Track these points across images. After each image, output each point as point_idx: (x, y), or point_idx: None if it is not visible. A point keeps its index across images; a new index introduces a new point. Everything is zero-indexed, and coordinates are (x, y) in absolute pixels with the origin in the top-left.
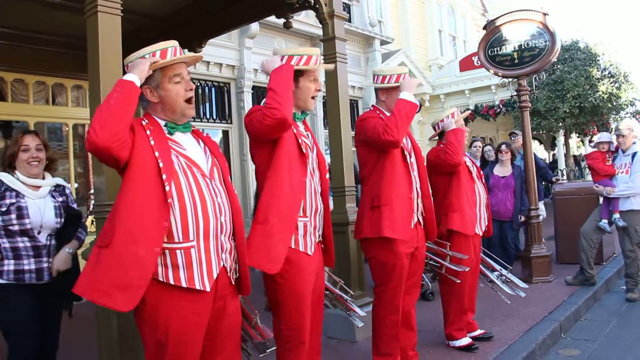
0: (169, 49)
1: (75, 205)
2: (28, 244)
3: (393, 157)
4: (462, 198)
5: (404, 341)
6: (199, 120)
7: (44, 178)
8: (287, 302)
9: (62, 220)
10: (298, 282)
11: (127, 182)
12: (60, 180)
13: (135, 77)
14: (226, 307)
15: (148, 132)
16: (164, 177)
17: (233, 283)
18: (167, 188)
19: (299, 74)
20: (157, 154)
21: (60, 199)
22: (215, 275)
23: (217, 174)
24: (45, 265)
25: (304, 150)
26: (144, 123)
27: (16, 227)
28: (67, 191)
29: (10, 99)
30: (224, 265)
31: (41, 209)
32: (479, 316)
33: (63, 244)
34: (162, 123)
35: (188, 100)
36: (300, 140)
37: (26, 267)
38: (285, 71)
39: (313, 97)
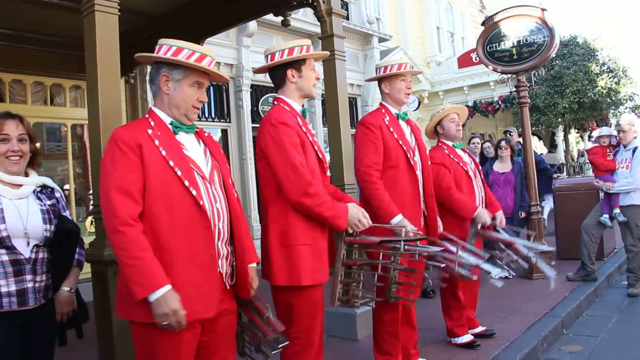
0: (207, 59)
1: (68, 213)
2: (5, 258)
3: (397, 160)
4: None
5: (405, 339)
6: (197, 119)
7: (27, 174)
8: (302, 306)
9: (53, 227)
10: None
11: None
12: (47, 180)
13: None
14: (223, 309)
15: (157, 142)
16: (187, 183)
17: (228, 287)
18: (194, 192)
19: (301, 63)
20: (171, 163)
21: (49, 203)
22: None
23: (217, 177)
24: (30, 285)
25: (320, 156)
26: (150, 132)
27: None
28: (57, 194)
29: (8, 99)
30: (219, 271)
31: (22, 212)
32: (480, 313)
33: (58, 271)
34: (168, 121)
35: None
36: (316, 147)
37: (3, 289)
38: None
39: (314, 85)
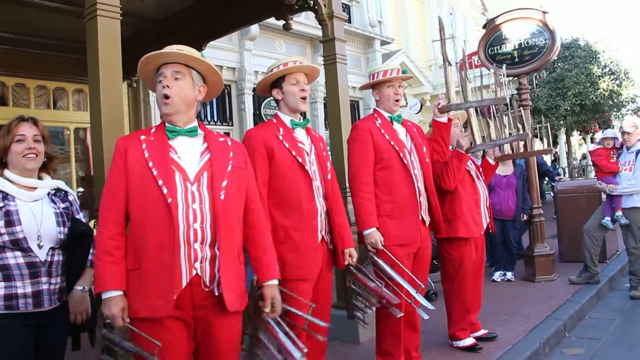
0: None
1: (82, 216)
2: (21, 261)
3: (390, 160)
4: (463, 203)
5: (408, 342)
6: (200, 122)
7: (40, 179)
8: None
9: (66, 230)
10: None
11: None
12: (61, 184)
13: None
14: (211, 321)
15: (144, 145)
16: (160, 182)
17: (217, 295)
18: (165, 191)
19: (281, 80)
20: (150, 164)
21: (62, 206)
22: (184, 284)
23: (207, 179)
24: (45, 287)
25: (299, 160)
26: (142, 137)
27: (5, 237)
28: (71, 198)
29: (11, 103)
30: (197, 273)
31: (36, 214)
32: (482, 316)
33: (73, 272)
34: (167, 128)
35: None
36: (294, 153)
37: (20, 291)
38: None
39: (303, 98)
